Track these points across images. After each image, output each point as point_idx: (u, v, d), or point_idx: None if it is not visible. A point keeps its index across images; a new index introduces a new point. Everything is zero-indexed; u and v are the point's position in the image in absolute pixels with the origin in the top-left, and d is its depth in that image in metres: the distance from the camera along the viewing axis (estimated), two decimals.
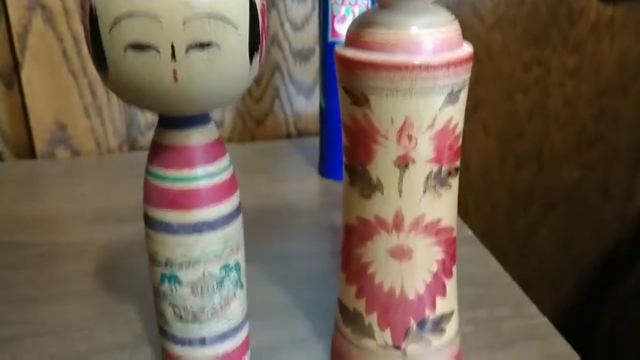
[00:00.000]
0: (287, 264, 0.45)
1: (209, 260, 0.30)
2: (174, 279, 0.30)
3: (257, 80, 0.67)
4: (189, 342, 0.32)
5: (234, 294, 0.32)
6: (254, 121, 0.69)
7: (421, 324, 0.31)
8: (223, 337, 0.32)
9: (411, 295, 0.31)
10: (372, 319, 0.32)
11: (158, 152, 0.29)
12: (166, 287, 0.31)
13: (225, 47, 0.25)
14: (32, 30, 0.60)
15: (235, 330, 0.33)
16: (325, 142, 0.57)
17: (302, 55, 0.68)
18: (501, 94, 0.76)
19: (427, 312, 0.31)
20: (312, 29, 0.67)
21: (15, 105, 0.63)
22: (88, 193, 0.57)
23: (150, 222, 0.30)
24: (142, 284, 0.42)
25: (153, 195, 0.30)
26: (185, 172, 0.29)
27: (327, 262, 0.45)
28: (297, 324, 0.39)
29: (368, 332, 0.32)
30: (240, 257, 0.32)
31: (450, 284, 0.32)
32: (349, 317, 0.33)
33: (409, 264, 0.30)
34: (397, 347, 0.32)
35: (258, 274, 0.44)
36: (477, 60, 0.73)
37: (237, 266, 0.32)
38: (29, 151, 0.65)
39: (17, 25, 0.59)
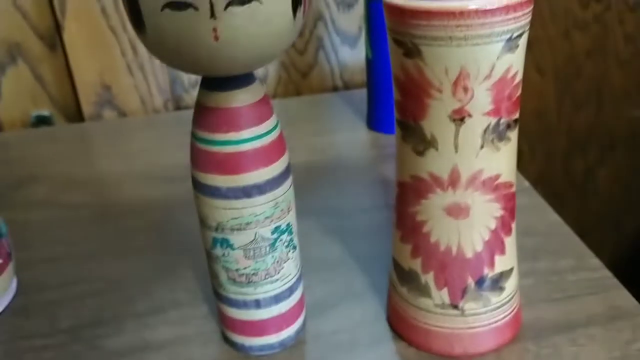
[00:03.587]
0: (340, 219, 0.45)
1: (260, 222, 0.30)
2: (226, 243, 0.30)
3: (300, 32, 0.65)
4: (244, 305, 0.32)
5: (287, 255, 0.31)
6: (299, 74, 0.68)
7: (479, 282, 0.30)
8: (277, 298, 0.32)
9: (469, 254, 0.30)
10: (429, 278, 0.31)
11: (202, 114, 0.28)
12: (218, 250, 0.31)
13: (267, 1, 0.24)
14: None
15: (290, 290, 0.32)
16: (373, 94, 0.55)
17: (346, 3, 0.65)
18: (557, 33, 0.72)
19: (486, 270, 0.30)
20: None
21: (60, 66, 0.64)
22: (136, 153, 0.57)
23: (199, 186, 0.30)
24: (195, 241, 0.42)
25: (200, 160, 0.29)
26: (232, 135, 0.28)
27: (381, 215, 0.44)
28: (353, 278, 0.39)
29: (425, 291, 0.31)
30: (291, 217, 0.31)
31: (510, 241, 0.31)
32: (405, 277, 0.32)
33: (465, 222, 0.29)
34: (455, 306, 0.31)
35: (312, 229, 0.43)
36: None
37: (289, 227, 0.31)
38: (76, 113, 0.66)
39: None
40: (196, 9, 0.23)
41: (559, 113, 0.77)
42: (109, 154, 0.57)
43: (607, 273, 0.37)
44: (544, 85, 0.74)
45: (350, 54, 0.68)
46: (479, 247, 0.30)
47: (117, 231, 0.45)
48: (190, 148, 0.30)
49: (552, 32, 0.72)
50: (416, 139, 0.28)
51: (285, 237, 0.31)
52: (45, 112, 0.66)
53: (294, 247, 0.32)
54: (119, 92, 0.64)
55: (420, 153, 0.28)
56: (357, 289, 0.38)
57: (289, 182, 0.30)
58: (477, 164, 0.28)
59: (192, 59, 0.25)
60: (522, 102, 0.29)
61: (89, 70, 0.63)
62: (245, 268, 0.31)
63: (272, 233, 0.30)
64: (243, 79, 0.28)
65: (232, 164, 0.28)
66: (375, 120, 0.56)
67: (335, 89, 0.69)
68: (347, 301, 0.37)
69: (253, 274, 0.31)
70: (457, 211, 0.29)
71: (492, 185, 0.28)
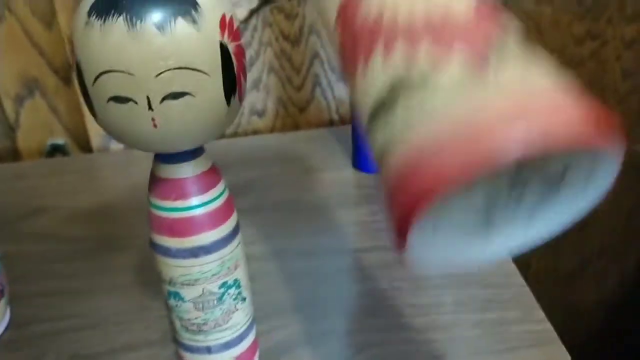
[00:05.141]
0: (309, 261, 0.47)
1: (208, 279, 0.33)
2: (178, 296, 0.33)
3: (297, 69, 0.68)
4: (196, 350, 0.35)
5: (235, 307, 0.34)
6: (297, 108, 0.71)
7: None
8: (227, 345, 0.35)
9: None
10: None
11: (154, 183, 0.32)
12: (172, 301, 0.34)
13: (199, 94, 0.27)
14: None
15: (240, 338, 0.35)
16: (357, 134, 0.58)
17: None
18: None
19: None
20: None
21: (74, 99, 0.68)
22: (140, 184, 0.61)
23: (153, 245, 0.33)
24: None
25: (154, 222, 0.32)
26: (179, 203, 0.31)
27: (348, 258, 0.47)
28: (314, 322, 0.41)
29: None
30: (239, 274, 0.34)
31: None
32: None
33: None
34: None
35: (280, 271, 0.46)
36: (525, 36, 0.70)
37: (236, 282, 0.34)
38: (88, 143, 0.70)
39: (66, 28, 0.63)
40: (136, 102, 0.27)
41: None
42: (115, 186, 0.61)
43: (548, 326, 0.39)
44: None
45: (346, 90, 0.70)
46: None
47: (109, 267, 0.49)
48: (148, 211, 0.33)
49: None
50: None
51: (232, 291, 0.34)
52: (59, 141, 0.71)
53: (243, 299, 0.35)
54: None
55: None
56: (316, 332, 0.41)
57: (235, 242, 0.33)
58: None
59: (137, 141, 0.28)
60: None
61: None
62: (196, 318, 0.34)
63: (220, 288, 0.33)
64: (189, 153, 0.31)
65: (180, 228, 0.31)
66: (359, 160, 0.58)
67: (331, 123, 0.72)
68: (305, 346, 0.40)
69: (203, 323, 0.34)
70: None
71: None
